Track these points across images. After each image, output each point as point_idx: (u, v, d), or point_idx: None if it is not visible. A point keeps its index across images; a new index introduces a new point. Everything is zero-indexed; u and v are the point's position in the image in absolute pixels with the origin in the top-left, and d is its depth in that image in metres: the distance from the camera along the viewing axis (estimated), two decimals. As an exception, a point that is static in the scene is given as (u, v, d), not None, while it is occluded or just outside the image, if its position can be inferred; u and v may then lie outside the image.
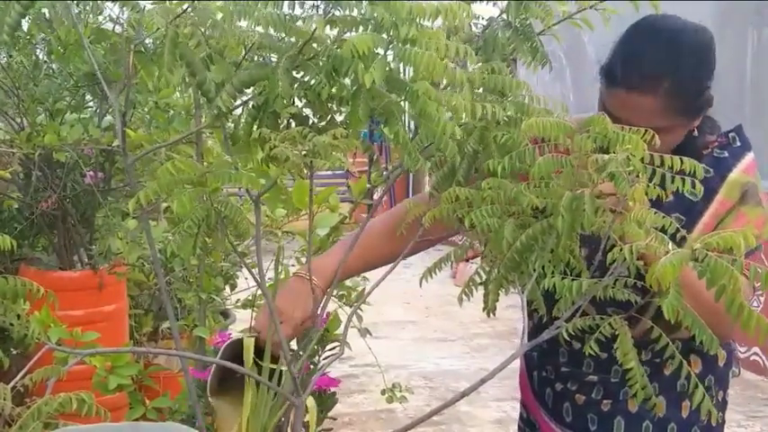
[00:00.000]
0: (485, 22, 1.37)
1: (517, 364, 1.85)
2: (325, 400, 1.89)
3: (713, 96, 1.48)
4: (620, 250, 1.08)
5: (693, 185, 1.09)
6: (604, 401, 1.66)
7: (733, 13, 5.28)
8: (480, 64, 1.28)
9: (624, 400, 1.64)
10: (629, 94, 1.43)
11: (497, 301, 1.32)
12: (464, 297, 1.34)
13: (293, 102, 1.21)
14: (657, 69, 1.41)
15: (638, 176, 1.09)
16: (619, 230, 1.14)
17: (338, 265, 1.45)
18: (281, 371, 1.41)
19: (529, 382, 1.82)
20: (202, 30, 1.15)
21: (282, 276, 1.64)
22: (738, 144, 1.56)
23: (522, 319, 1.32)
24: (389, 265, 1.46)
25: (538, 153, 1.20)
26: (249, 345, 1.43)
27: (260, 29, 1.15)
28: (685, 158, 1.11)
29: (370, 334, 1.93)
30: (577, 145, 1.14)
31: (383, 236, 1.55)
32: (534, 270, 1.18)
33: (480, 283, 1.34)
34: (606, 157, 1.10)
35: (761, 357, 4.78)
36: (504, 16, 1.37)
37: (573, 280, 1.15)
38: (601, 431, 1.67)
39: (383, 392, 2.05)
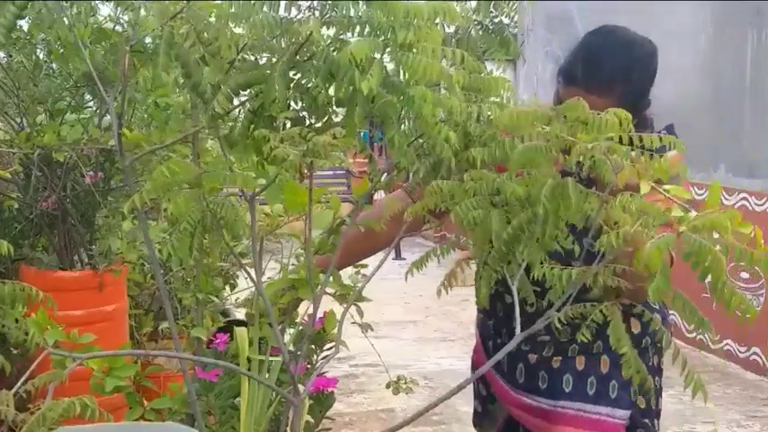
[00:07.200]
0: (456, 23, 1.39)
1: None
2: (324, 401, 1.89)
3: (650, 100, 1.72)
4: (608, 236, 1.09)
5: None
6: (555, 358, 1.79)
7: (733, 14, 5.27)
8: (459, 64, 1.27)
9: (573, 357, 1.77)
10: (588, 96, 1.53)
11: (489, 293, 1.34)
12: (443, 290, 1.37)
13: (289, 106, 1.21)
14: (613, 75, 1.62)
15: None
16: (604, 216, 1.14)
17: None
18: None
19: (485, 352, 1.94)
20: (196, 29, 1.14)
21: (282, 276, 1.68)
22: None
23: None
24: (380, 261, 1.54)
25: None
26: (243, 335, 1.44)
27: (253, 31, 1.15)
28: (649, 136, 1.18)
29: (372, 329, 1.91)
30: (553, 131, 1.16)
31: (359, 237, 1.69)
32: (523, 260, 1.19)
33: (475, 284, 1.35)
34: (590, 145, 1.11)
35: (761, 357, 4.77)
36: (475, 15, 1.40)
37: (562, 269, 1.17)
38: (550, 388, 1.79)
39: (388, 386, 2.05)
